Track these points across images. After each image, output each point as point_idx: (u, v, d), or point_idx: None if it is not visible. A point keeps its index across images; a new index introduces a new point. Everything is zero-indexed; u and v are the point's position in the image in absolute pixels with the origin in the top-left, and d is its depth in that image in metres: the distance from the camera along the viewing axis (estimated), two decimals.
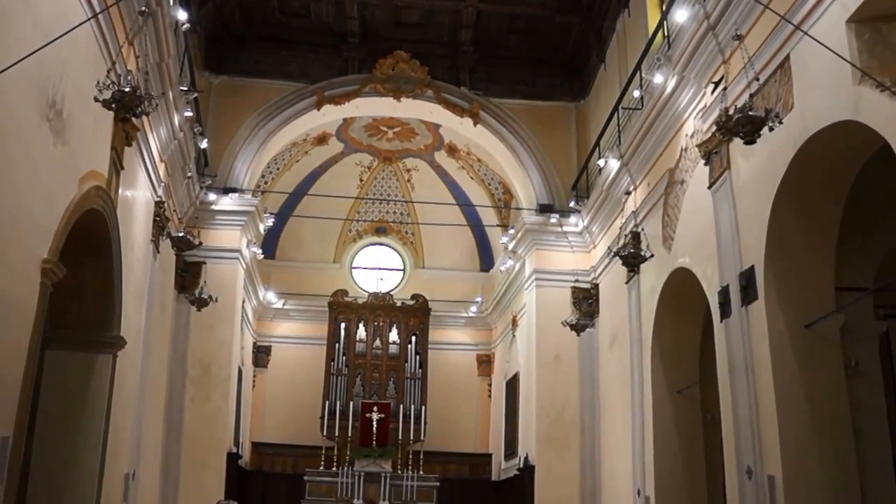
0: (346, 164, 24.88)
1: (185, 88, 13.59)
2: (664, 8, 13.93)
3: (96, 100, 7.27)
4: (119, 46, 8.88)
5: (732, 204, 10.53)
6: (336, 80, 19.88)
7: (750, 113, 7.82)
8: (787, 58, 9.05)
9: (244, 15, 19.61)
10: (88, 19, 7.97)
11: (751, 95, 8.25)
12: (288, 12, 19.73)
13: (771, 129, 7.91)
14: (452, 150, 23.39)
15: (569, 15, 19.30)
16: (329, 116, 20.62)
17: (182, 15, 12.28)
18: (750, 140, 7.87)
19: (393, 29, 20.14)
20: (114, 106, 7.38)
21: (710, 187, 11.28)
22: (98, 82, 7.22)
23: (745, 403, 9.85)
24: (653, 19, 15.70)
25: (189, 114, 13.95)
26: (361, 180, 25.63)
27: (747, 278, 9.91)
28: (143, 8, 8.66)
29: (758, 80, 8.68)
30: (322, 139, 22.95)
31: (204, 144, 16.26)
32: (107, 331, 10.84)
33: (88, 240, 9.86)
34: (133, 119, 9.49)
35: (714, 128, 10.40)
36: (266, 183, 22.52)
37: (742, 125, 7.85)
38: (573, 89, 20.78)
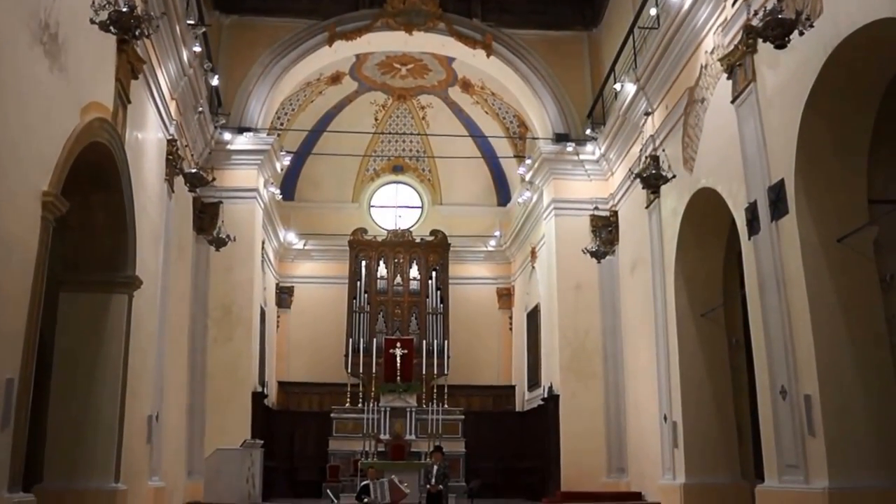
0: (360, 104, 24.58)
1: (193, 22, 13.24)
2: None
3: (92, 21, 6.99)
4: None
5: (759, 117, 10.20)
6: (347, 15, 19.53)
7: (780, 16, 7.47)
8: None
9: None
10: None
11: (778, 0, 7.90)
12: None
13: (801, 34, 7.61)
14: (466, 86, 23.01)
15: None
16: (341, 53, 20.27)
17: None
18: (780, 44, 7.58)
19: None
20: (111, 27, 7.08)
21: (733, 102, 10.95)
22: (94, 2, 6.92)
23: (778, 322, 9.63)
24: None
25: (198, 49, 13.64)
26: (376, 119, 25.36)
27: (777, 192, 9.62)
28: None
29: None
30: (336, 78, 22.61)
31: (215, 81, 15.99)
32: (121, 270, 10.67)
33: (96, 175, 9.65)
34: (136, 49, 9.21)
35: (739, 36, 10.18)
36: (282, 124, 22.27)
37: (772, 28, 7.53)
38: (585, 17, 20.35)
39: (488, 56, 19.92)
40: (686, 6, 12.31)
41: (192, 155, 15.58)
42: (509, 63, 19.91)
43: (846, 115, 8.91)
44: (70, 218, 9.14)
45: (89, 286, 10.43)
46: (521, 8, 20.16)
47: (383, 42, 20.31)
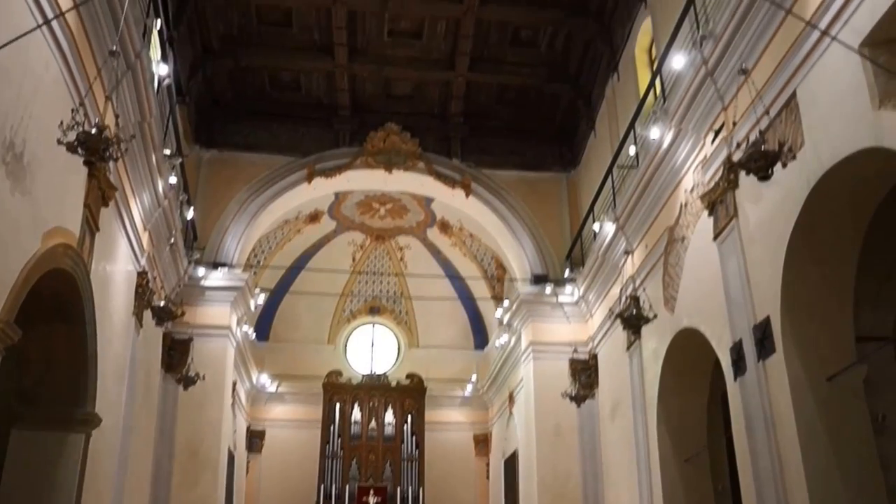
0: (338, 243, 24.55)
1: (170, 153, 13.15)
2: (656, 64, 13.72)
3: (59, 142, 6.75)
4: (89, 85, 8.37)
5: (741, 254, 10.03)
6: (327, 153, 19.66)
7: (763, 148, 7.38)
8: (794, 95, 8.66)
9: (235, 88, 19.52)
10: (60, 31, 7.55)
11: (761, 132, 7.85)
12: (279, 86, 19.66)
13: (784, 165, 7.50)
14: (444, 227, 23.05)
15: (558, 84, 19.30)
16: (320, 190, 20.29)
17: (163, 69, 11.90)
18: (764, 176, 7.43)
19: (383, 101, 20.02)
20: (79, 149, 6.85)
21: (715, 239, 10.81)
22: (62, 122, 6.71)
23: (768, 465, 9.16)
24: (643, 80, 15.52)
25: (174, 180, 13.49)
26: (354, 259, 25.28)
27: (762, 331, 9.34)
28: (114, 47, 8.22)
29: (768, 114, 8.27)
30: (314, 217, 22.59)
31: (191, 214, 15.81)
32: (80, 407, 10.06)
33: (57, 304, 9.20)
34: (108, 175, 8.98)
35: (720, 172, 10.13)
36: (259, 262, 22.08)
37: (755, 160, 7.41)
38: (564, 159, 20.61)
39: (467, 196, 20.00)
40: (665, 144, 12.35)
41: (163, 289, 15.23)
42: (488, 203, 19.97)
43: (831, 249, 8.73)
44: (27, 348, 8.69)
45: (44, 423, 9.79)
46: (500, 149, 20.38)
47: (363, 180, 20.37)
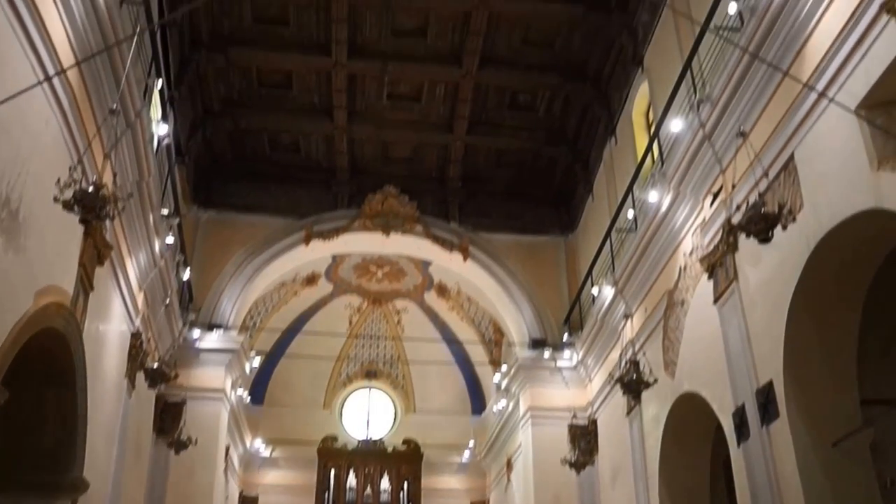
0: (335, 306, 24.41)
1: (167, 213, 13.10)
2: (653, 127, 13.78)
3: (56, 200, 6.69)
4: (88, 142, 8.33)
5: (742, 317, 9.93)
6: (325, 215, 19.66)
7: (762, 210, 7.34)
8: (792, 157, 8.66)
9: (234, 149, 19.61)
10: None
11: (760, 194, 7.82)
12: (278, 148, 19.77)
13: (784, 227, 7.44)
14: (442, 291, 22.94)
15: (555, 147, 19.42)
16: (317, 253, 20.25)
17: (163, 129, 11.92)
18: (765, 238, 7.38)
19: (382, 164, 20.11)
20: (75, 206, 6.78)
21: (715, 302, 10.72)
22: (59, 180, 6.65)
23: None
24: (641, 143, 15.59)
25: (171, 241, 13.42)
26: (351, 322, 25.12)
27: (765, 395, 9.19)
28: (115, 105, 8.21)
29: (767, 176, 8.24)
30: (311, 280, 22.52)
31: (187, 275, 15.72)
32: (67, 471, 9.80)
33: (48, 364, 9.03)
34: (104, 234, 8.90)
35: (720, 235, 10.08)
36: (255, 324, 21.92)
37: (755, 223, 7.37)
38: (562, 222, 20.63)
39: (465, 260, 19.95)
40: (664, 208, 12.34)
41: (157, 350, 15.05)
42: (486, 267, 19.91)
43: (833, 311, 8.64)
44: (15, 409, 8.48)
45: (29, 488, 9.50)
46: (498, 212, 20.41)
47: (360, 243, 20.34)
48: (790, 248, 8.56)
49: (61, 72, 7.57)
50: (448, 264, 20.68)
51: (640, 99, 15.93)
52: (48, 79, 7.39)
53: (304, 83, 17.73)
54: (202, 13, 15.80)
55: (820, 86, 7.84)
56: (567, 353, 18.54)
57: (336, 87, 17.44)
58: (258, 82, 17.77)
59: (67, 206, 6.90)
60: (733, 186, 9.90)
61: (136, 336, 13.17)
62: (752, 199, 7.97)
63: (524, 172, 20.39)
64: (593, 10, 15.65)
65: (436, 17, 16.15)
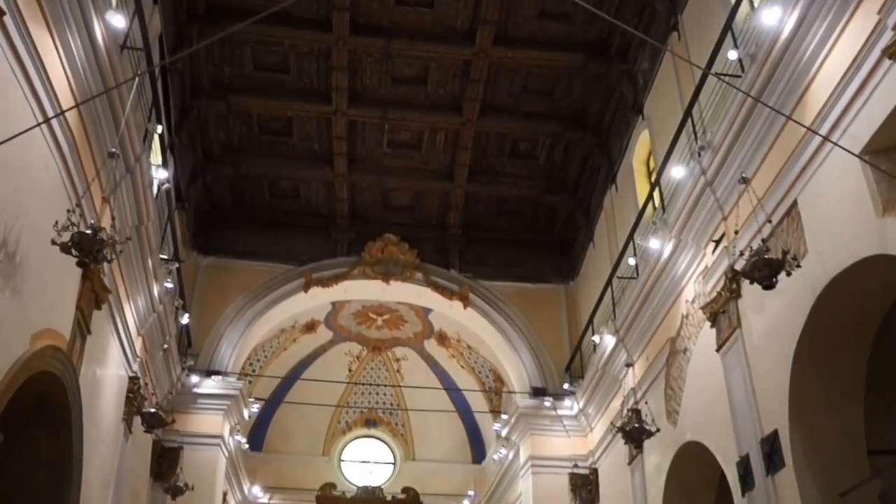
0: (335, 353, 24.26)
1: (166, 258, 13.06)
2: (654, 175, 13.78)
3: (54, 242, 6.64)
4: (87, 186, 8.30)
5: (746, 365, 9.82)
6: (324, 262, 19.61)
7: (766, 256, 7.28)
8: (795, 203, 8.63)
9: (234, 196, 19.63)
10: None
11: (763, 240, 7.76)
12: (278, 194, 19.78)
13: (788, 274, 7.38)
14: (442, 339, 22.82)
15: (556, 195, 19.43)
16: (317, 300, 20.17)
17: (163, 174, 11.92)
18: (769, 284, 7.31)
19: (382, 211, 20.10)
20: (72, 249, 6.73)
21: (718, 350, 10.60)
22: (56, 223, 6.61)
23: None
24: (642, 191, 15.58)
25: (170, 285, 13.35)
26: (350, 370, 24.93)
27: (771, 444, 9.04)
28: (114, 149, 8.20)
29: (770, 222, 8.19)
30: (311, 327, 22.42)
31: (186, 320, 15.63)
32: None
33: (43, 407, 8.91)
34: (102, 277, 8.84)
35: (722, 282, 10.00)
36: (254, 370, 21.77)
37: (759, 269, 7.30)
38: (562, 270, 20.55)
39: (465, 308, 19.85)
40: (665, 255, 12.28)
41: (154, 395, 14.91)
42: (486, 315, 19.81)
43: (839, 358, 8.53)
44: (8, 452, 8.36)
45: None
46: (498, 260, 20.35)
47: (360, 290, 20.27)
48: (794, 295, 8.48)
49: (60, 113, 7.56)
50: (448, 312, 20.58)
51: (640, 146, 15.97)
52: (47, 120, 7.39)
53: (305, 130, 17.81)
54: (203, 60, 15.93)
55: (823, 131, 7.83)
56: (568, 401, 18.36)
57: (336, 135, 17.50)
58: (259, 129, 17.85)
59: (65, 248, 6.87)
60: (736, 233, 9.85)
61: (133, 380, 13.04)
62: (755, 245, 7.90)
63: (525, 220, 20.41)
64: (593, 59, 15.77)
65: (436, 65, 16.27)
